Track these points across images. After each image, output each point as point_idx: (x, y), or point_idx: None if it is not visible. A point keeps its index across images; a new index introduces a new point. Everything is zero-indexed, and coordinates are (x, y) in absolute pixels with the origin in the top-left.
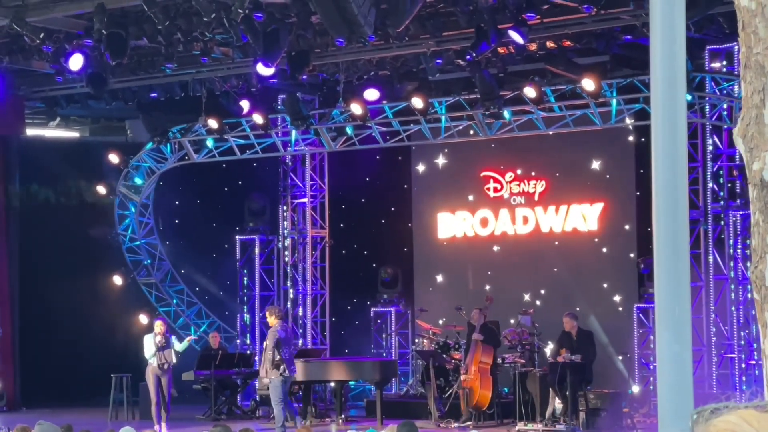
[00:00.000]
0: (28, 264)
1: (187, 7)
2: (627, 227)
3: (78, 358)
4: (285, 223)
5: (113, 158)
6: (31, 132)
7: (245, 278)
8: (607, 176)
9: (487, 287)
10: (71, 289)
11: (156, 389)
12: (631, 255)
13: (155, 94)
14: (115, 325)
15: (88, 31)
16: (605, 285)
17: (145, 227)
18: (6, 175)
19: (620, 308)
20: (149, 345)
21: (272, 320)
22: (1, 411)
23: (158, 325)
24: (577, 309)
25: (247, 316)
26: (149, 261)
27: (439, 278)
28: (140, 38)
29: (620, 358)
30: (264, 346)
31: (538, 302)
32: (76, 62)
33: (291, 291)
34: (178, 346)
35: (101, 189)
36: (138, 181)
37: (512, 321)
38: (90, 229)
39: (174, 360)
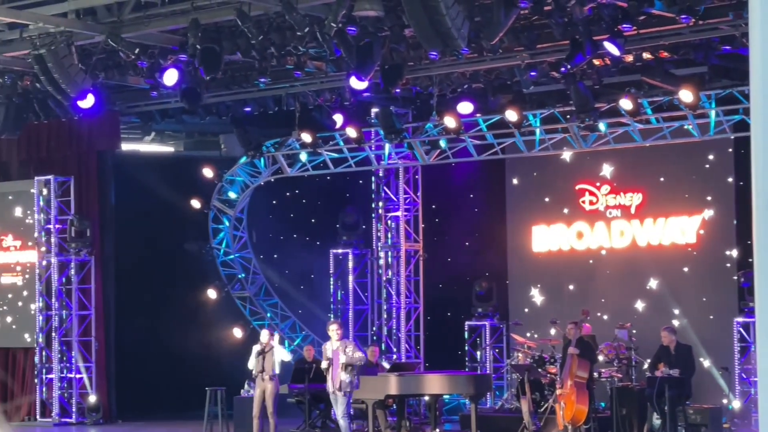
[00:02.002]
0: (123, 278)
1: (280, 22)
2: (726, 240)
3: (173, 371)
4: (379, 236)
5: (207, 172)
6: (126, 147)
7: (339, 292)
8: (706, 188)
9: (583, 301)
10: (166, 302)
11: (258, 400)
12: (731, 267)
13: (249, 109)
14: (209, 338)
15: (182, 46)
16: (704, 299)
17: (239, 241)
18: (102, 190)
19: (720, 322)
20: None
21: (336, 335)
22: (98, 423)
23: (262, 335)
24: (675, 323)
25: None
26: (243, 274)
27: (534, 292)
28: (234, 53)
29: (720, 372)
30: (342, 357)
31: (635, 316)
32: (170, 77)
33: (385, 305)
34: (286, 355)
35: (196, 203)
36: (232, 195)
37: (610, 337)
38: (184, 243)
39: (275, 370)
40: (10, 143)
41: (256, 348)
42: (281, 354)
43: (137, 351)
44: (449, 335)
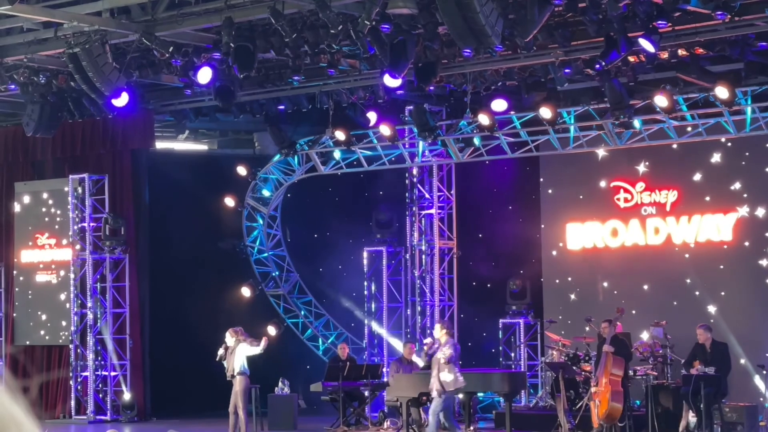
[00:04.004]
0: (157, 276)
1: (314, 20)
2: (762, 237)
3: (207, 368)
4: (413, 234)
5: (241, 170)
6: (160, 145)
7: (373, 289)
8: (742, 185)
9: (618, 299)
10: (200, 300)
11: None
12: (767, 265)
13: (283, 107)
14: None
15: (216, 44)
16: (740, 296)
17: (273, 239)
18: (136, 188)
19: (756, 320)
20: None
21: (444, 335)
22: (132, 421)
23: (227, 337)
24: (711, 321)
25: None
26: (277, 272)
27: (569, 289)
28: (267, 51)
29: (757, 371)
30: (438, 357)
31: (670, 314)
32: (204, 76)
33: (418, 302)
34: (251, 350)
35: (230, 201)
36: (266, 193)
37: (645, 335)
38: (218, 241)
39: (236, 369)
40: (44, 142)
41: (220, 351)
42: (245, 351)
43: (171, 349)
44: (483, 333)
